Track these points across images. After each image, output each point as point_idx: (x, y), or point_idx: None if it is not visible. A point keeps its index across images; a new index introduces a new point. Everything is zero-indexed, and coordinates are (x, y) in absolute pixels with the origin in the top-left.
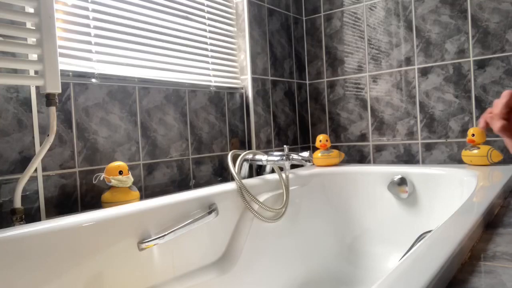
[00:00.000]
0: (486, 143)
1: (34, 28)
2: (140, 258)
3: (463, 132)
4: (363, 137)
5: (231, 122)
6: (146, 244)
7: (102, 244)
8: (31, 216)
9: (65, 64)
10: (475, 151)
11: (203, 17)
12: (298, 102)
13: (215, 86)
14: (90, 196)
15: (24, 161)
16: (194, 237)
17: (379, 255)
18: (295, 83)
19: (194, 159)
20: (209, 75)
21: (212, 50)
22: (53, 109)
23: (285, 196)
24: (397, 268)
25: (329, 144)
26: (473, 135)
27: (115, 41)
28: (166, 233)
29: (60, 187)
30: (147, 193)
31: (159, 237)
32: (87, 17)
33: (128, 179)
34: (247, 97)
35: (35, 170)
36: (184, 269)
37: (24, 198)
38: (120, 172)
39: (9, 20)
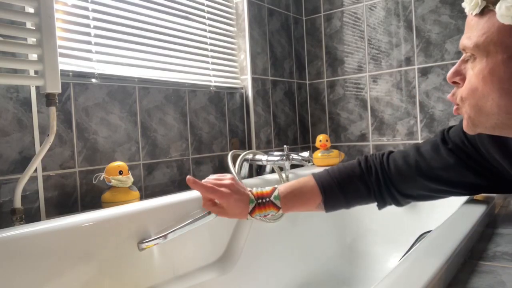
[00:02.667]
0: None
1: (34, 28)
2: (140, 258)
3: None
4: (363, 137)
5: (231, 122)
6: (146, 244)
7: (102, 244)
8: (31, 216)
9: (65, 64)
10: None
11: (203, 17)
12: (298, 102)
13: (215, 86)
14: (90, 196)
15: (24, 161)
16: (194, 237)
17: (379, 255)
18: (295, 83)
19: (194, 159)
20: (209, 75)
21: (212, 50)
22: (53, 109)
23: None
24: (397, 268)
25: (329, 144)
26: None
27: (115, 41)
28: (166, 233)
29: (60, 187)
30: (147, 193)
31: (159, 237)
32: (87, 17)
33: (128, 179)
34: (247, 97)
35: (35, 170)
36: (184, 269)
37: (24, 198)
38: (120, 172)
39: (9, 20)
